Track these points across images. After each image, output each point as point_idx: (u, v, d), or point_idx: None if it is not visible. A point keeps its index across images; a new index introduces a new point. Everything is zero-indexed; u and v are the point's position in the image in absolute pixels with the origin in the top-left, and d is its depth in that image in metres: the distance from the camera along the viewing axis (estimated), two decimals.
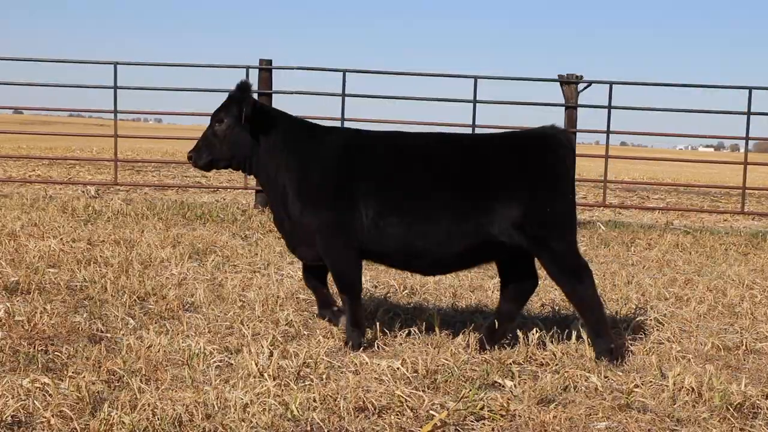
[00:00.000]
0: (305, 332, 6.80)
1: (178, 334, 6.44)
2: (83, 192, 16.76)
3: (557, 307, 8.03)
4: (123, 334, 6.45)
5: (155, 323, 6.77)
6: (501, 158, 6.45)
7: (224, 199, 16.74)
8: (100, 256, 9.35)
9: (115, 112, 15.57)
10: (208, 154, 6.66)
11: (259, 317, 7.07)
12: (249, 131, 6.57)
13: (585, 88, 15.29)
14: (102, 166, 23.44)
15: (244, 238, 11.45)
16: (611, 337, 6.41)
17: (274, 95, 15.29)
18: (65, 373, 5.40)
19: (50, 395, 4.99)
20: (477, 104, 15.34)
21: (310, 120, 6.92)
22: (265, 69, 15.27)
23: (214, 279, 8.56)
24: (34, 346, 5.98)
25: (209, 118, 6.73)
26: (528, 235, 6.30)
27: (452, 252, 6.38)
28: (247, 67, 15.12)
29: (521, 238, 6.30)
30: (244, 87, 6.59)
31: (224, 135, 6.61)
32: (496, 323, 6.61)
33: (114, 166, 16.27)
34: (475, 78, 15.25)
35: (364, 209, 6.34)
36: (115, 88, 15.34)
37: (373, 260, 6.69)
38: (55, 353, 5.89)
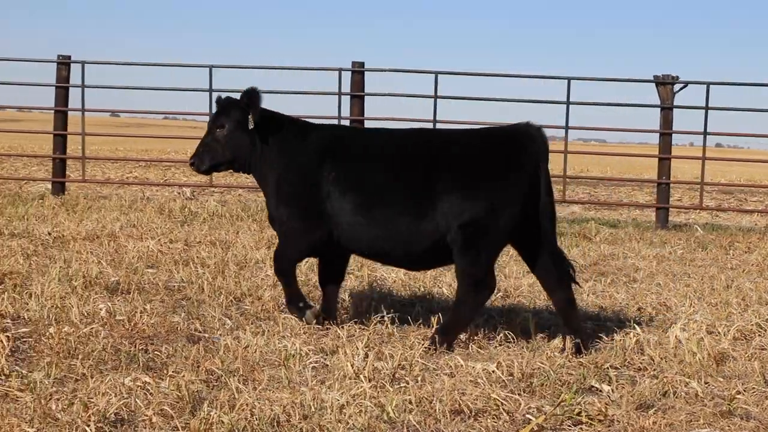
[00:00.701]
0: (399, 334, 6.81)
1: (274, 334, 6.51)
2: (179, 194, 17.05)
3: (654, 311, 7.91)
4: (220, 334, 6.53)
5: (251, 324, 6.85)
6: (466, 155, 6.57)
7: None
8: (197, 257, 9.50)
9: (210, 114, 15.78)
10: (211, 158, 6.97)
11: (353, 318, 7.09)
12: (249, 135, 6.89)
13: (681, 88, 15.05)
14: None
15: None
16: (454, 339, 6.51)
17: (366, 97, 15.34)
18: (165, 372, 5.49)
19: (151, 394, 5.08)
20: (570, 105, 15.21)
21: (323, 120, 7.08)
22: (358, 71, 15.32)
23: (308, 280, 8.62)
24: (135, 345, 6.11)
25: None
26: (464, 233, 6.39)
27: (419, 249, 6.56)
28: (340, 70, 15.21)
29: (456, 234, 6.41)
30: (252, 94, 6.87)
31: (226, 139, 6.93)
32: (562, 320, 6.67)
33: None
34: (569, 79, 15.13)
35: (337, 205, 6.60)
36: (210, 91, 15.54)
37: (355, 254, 7.02)
38: (155, 352, 6.00)
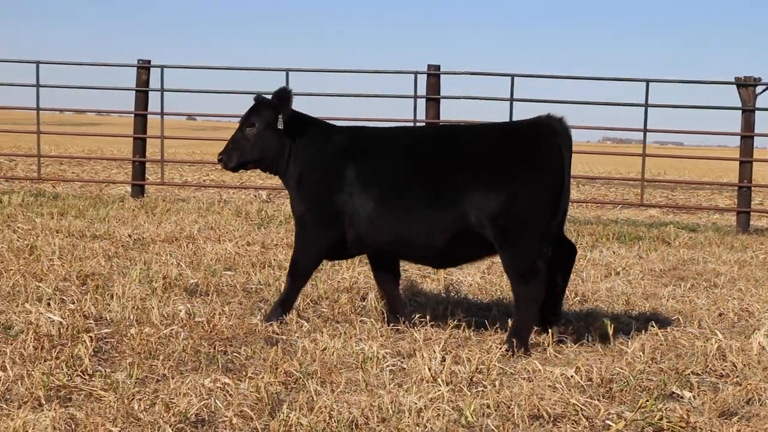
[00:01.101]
0: (476, 337, 6.79)
1: (351, 337, 6.53)
2: (255, 196, 17.21)
3: (736, 317, 7.78)
4: (298, 337, 6.58)
5: (329, 326, 6.89)
6: (487, 149, 6.62)
7: None
8: (274, 259, 9.58)
9: None
10: (239, 156, 7.05)
11: (430, 321, 7.09)
12: (278, 136, 6.95)
13: (764, 90, 14.79)
14: None
15: None
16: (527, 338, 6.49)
17: (441, 100, 15.33)
18: (244, 373, 5.55)
19: (231, 395, 5.14)
20: (649, 108, 15.03)
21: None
22: (433, 74, 15.31)
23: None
24: (214, 347, 6.18)
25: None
26: (497, 226, 6.41)
27: (441, 243, 6.58)
28: (415, 73, 15.21)
29: (490, 229, 6.43)
30: (283, 95, 6.97)
31: (255, 139, 7.00)
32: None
33: None
34: (647, 81, 14.95)
35: (358, 204, 6.66)
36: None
37: (374, 251, 7.01)
38: (234, 354, 6.06)
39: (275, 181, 20.89)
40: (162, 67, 16.13)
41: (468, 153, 6.64)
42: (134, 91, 16.35)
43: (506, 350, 6.31)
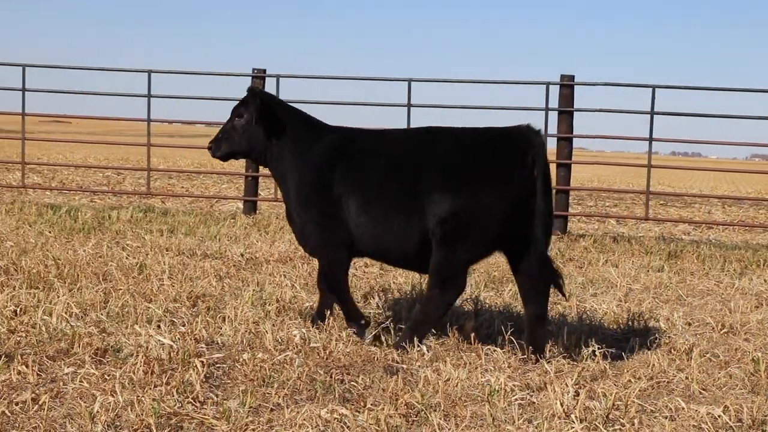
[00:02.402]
0: (612, 371, 6.69)
1: (476, 367, 6.51)
2: None
3: None
4: (419, 366, 6.59)
5: (452, 355, 6.88)
6: (455, 153, 6.94)
7: None
8: (393, 282, 9.62)
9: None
10: (227, 146, 7.63)
11: (561, 352, 7.02)
12: (266, 127, 7.48)
13: None
14: None
15: None
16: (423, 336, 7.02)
17: (575, 113, 15.20)
18: (363, 404, 5.58)
19: (349, 427, 5.18)
20: None
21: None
22: (567, 85, 15.20)
23: (510, 309, 8.60)
24: (331, 375, 6.23)
25: None
26: (443, 229, 6.81)
27: (414, 248, 6.96)
28: (548, 83, 15.13)
29: (437, 231, 6.82)
30: (253, 92, 7.64)
31: (243, 129, 7.57)
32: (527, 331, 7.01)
33: None
34: None
35: (347, 207, 7.08)
36: (409, 106, 15.72)
37: (367, 257, 7.52)
38: (352, 383, 6.10)
39: None
40: (278, 76, 16.24)
41: (437, 157, 6.97)
42: None
43: (396, 345, 6.91)
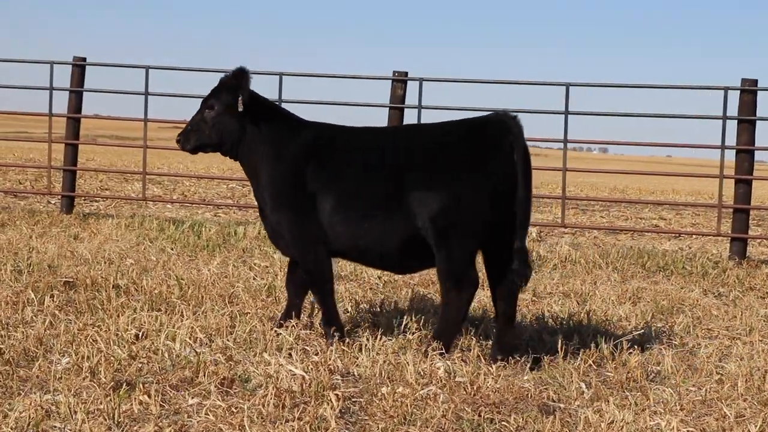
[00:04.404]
0: None
1: (643, 409, 6.41)
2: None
3: None
4: (579, 405, 6.51)
5: (615, 394, 6.79)
6: (435, 148, 7.45)
7: (690, 247, 16.51)
8: (548, 310, 9.54)
9: (565, 141, 15.80)
10: (197, 138, 7.95)
11: (742, 395, 6.86)
12: (237, 119, 7.79)
13: None
14: (543, 203, 23.75)
15: (718, 297, 11.22)
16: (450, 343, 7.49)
17: (757, 122, 14.82)
18: None
19: None
20: None
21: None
22: (748, 90, 14.81)
23: (683, 344, 8.45)
24: (479, 413, 6.20)
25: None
26: (436, 227, 7.25)
27: (393, 247, 7.44)
28: (726, 89, 14.79)
29: (430, 231, 7.27)
30: (240, 74, 7.77)
31: (213, 121, 7.87)
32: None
33: (561, 204, 16.31)
34: None
35: (321, 205, 7.50)
36: (566, 113, 15.62)
37: (340, 257, 7.93)
38: (503, 423, 6.07)
39: (544, 215, 20.90)
40: (421, 80, 16.17)
41: (417, 153, 7.43)
42: (387, 108, 16.36)
43: (423, 353, 7.25)
